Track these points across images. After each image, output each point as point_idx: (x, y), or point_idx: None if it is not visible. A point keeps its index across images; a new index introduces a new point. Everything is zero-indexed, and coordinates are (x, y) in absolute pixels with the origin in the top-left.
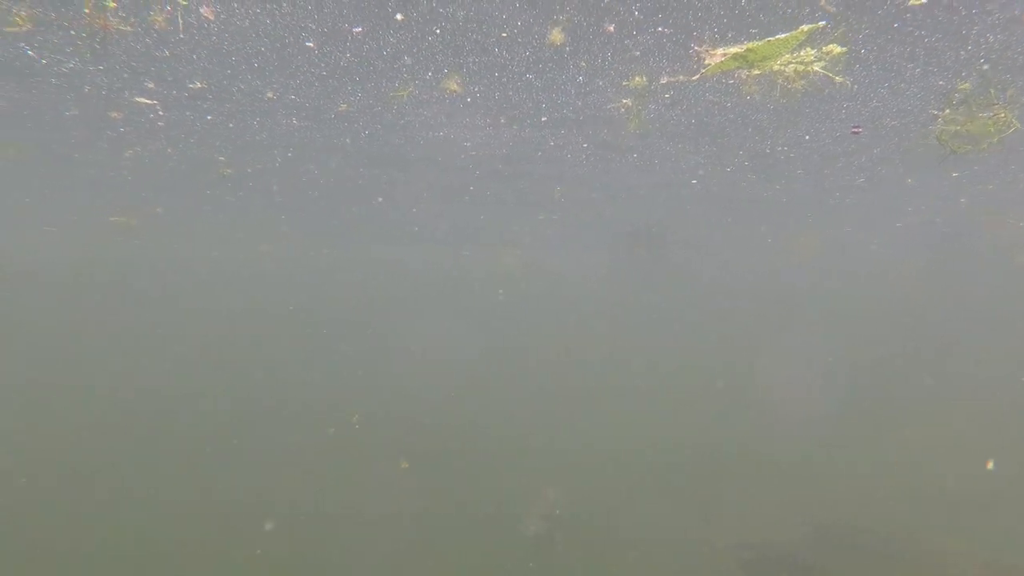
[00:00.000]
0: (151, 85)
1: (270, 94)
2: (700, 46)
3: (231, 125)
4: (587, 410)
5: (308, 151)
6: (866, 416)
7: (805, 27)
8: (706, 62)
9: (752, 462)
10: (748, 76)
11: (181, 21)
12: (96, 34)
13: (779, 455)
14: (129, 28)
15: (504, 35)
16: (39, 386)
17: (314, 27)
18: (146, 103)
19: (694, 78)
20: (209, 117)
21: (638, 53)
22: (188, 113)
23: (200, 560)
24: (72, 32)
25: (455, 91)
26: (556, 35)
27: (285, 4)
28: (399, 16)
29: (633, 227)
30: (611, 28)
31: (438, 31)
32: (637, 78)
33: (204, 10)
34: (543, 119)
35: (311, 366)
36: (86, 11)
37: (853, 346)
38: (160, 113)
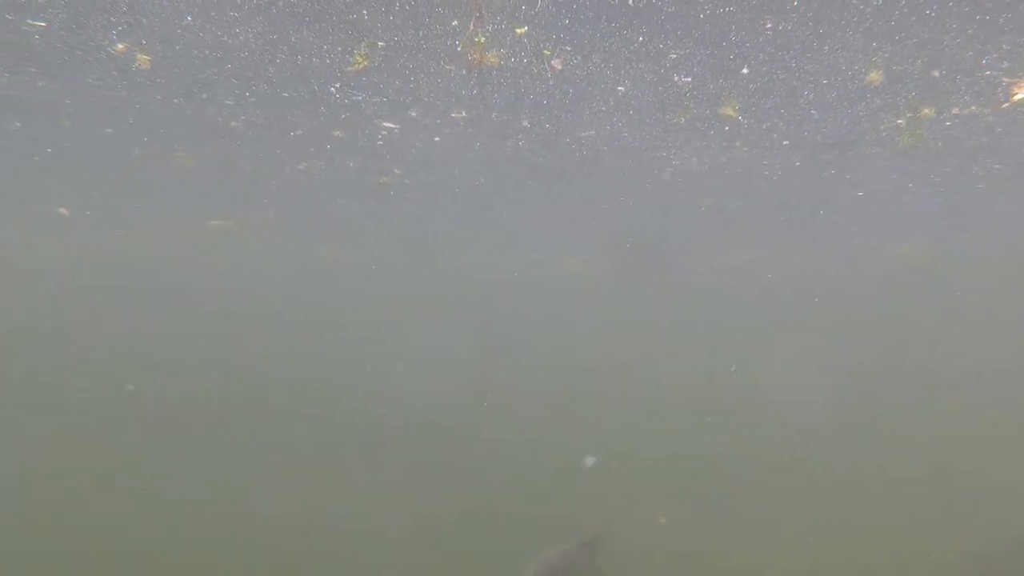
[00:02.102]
0: (413, 114)
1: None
2: (1010, 78)
3: (477, 146)
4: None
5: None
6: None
7: None
8: (1015, 94)
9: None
10: None
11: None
12: (473, 69)
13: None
14: (497, 61)
15: (824, 81)
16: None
17: (611, 74)
18: (390, 127)
19: (990, 109)
20: (437, 139)
21: (945, 85)
22: (419, 135)
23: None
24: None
25: (730, 115)
26: (875, 75)
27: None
28: (745, 70)
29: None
30: (936, 73)
31: (746, 70)
32: (926, 110)
33: (555, 62)
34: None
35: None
36: (460, 47)
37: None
38: (394, 136)
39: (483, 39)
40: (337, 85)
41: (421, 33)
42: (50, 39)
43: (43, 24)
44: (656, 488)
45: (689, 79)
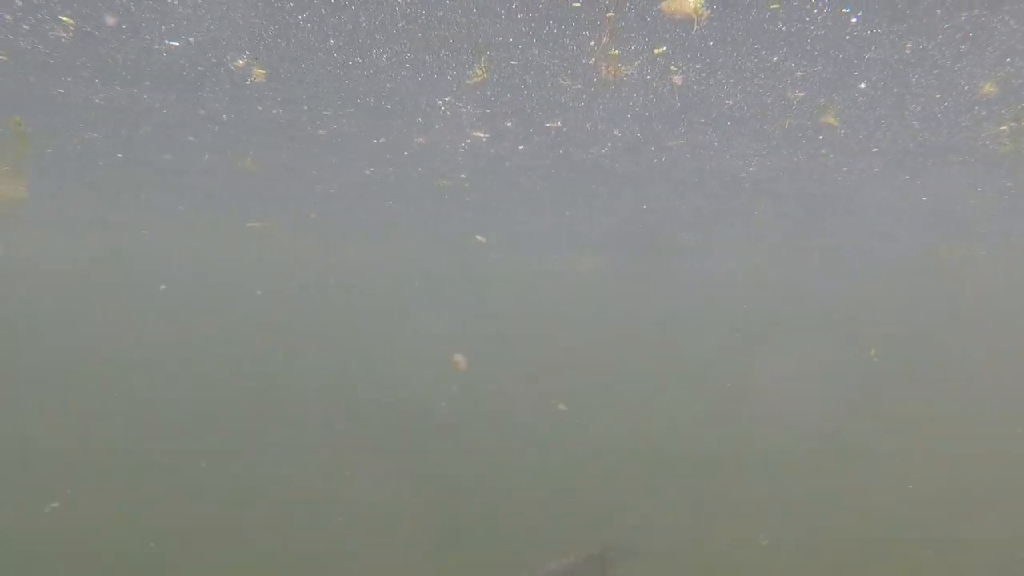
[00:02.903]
0: (509, 124)
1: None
2: None
3: (559, 153)
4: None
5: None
6: None
7: None
8: None
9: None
10: None
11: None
12: (607, 82)
13: None
14: (632, 68)
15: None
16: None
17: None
18: (480, 135)
19: None
20: (522, 147)
21: None
22: (505, 144)
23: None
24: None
25: (831, 124)
26: (989, 87)
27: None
28: (863, 85)
29: None
30: None
31: (863, 85)
32: None
33: (677, 78)
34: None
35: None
36: (591, 61)
37: None
38: (479, 143)
39: (616, 52)
40: (447, 98)
41: (545, 51)
42: (177, 56)
43: (176, 44)
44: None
45: (802, 93)
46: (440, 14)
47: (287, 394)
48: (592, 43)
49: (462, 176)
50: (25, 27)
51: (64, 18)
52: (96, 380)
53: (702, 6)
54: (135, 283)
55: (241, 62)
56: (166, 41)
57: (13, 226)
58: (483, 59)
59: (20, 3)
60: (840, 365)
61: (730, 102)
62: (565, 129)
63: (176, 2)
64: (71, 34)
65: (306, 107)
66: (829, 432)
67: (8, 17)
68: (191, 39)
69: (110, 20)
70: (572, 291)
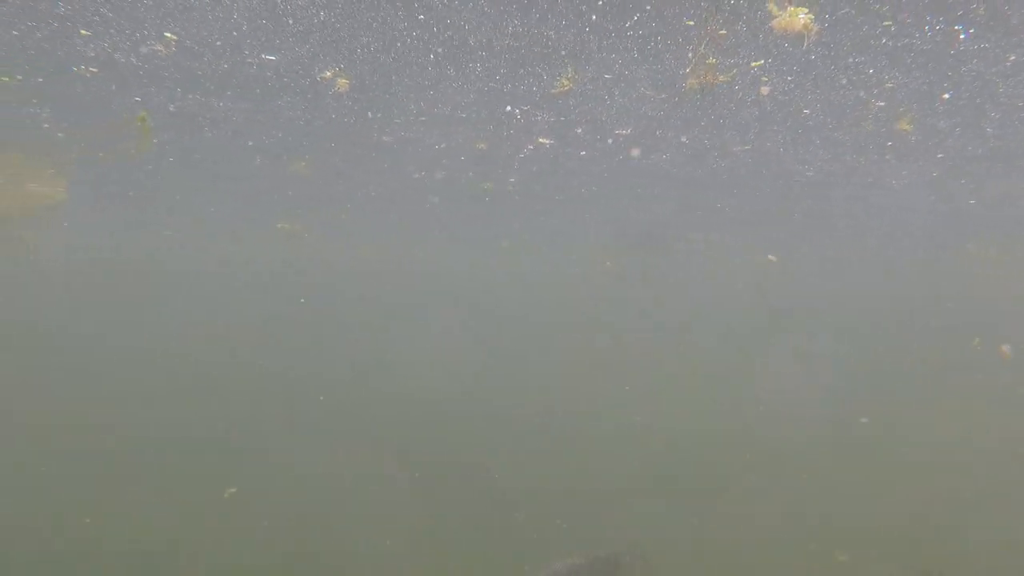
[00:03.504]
0: (579, 131)
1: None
2: None
3: (620, 158)
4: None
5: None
6: None
7: None
8: None
9: None
10: None
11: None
12: (705, 89)
13: None
14: (726, 79)
15: None
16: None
17: (810, 98)
18: (544, 142)
19: None
20: (583, 152)
21: None
22: (567, 149)
23: None
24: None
25: (904, 130)
26: None
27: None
28: (947, 96)
29: None
30: None
31: (947, 95)
32: None
33: (764, 88)
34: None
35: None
36: (687, 70)
37: None
38: (541, 150)
39: (714, 60)
40: (527, 107)
41: (644, 64)
42: (267, 68)
43: (273, 58)
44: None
45: (883, 103)
46: (552, 33)
47: (322, 394)
48: (690, 54)
49: (511, 180)
50: (127, 43)
51: (169, 34)
52: (135, 383)
53: (812, 21)
54: (167, 283)
55: (329, 73)
56: (263, 55)
57: (52, 227)
58: (571, 70)
59: (127, 20)
60: (881, 363)
61: (808, 111)
62: (632, 135)
63: (291, 21)
64: (172, 49)
65: (379, 115)
66: (863, 435)
67: (114, 33)
68: (290, 53)
69: (217, 41)
70: (597, 289)
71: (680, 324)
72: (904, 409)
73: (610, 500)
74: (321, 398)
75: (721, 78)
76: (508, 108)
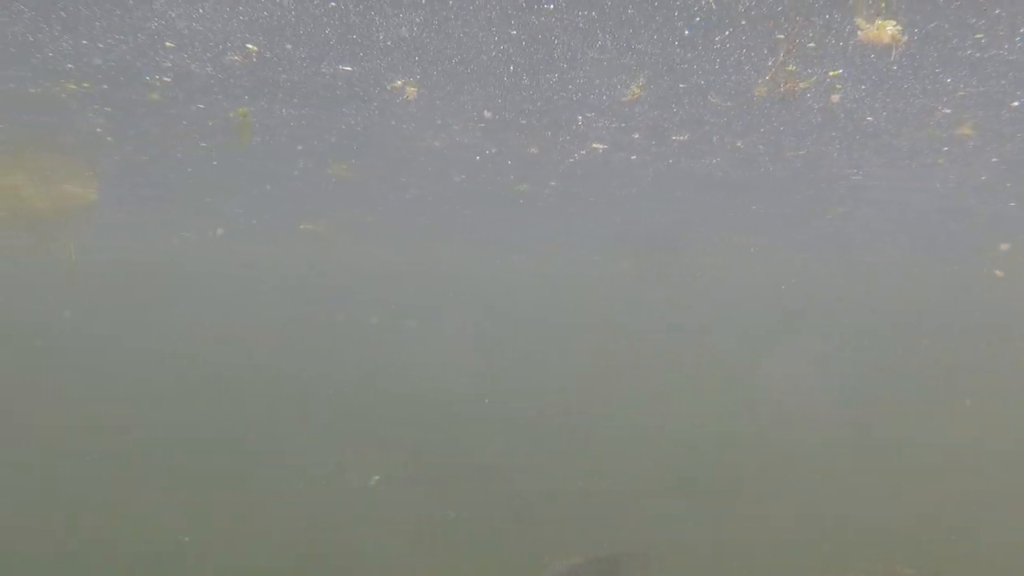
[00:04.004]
0: (636, 136)
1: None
2: None
3: (669, 162)
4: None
5: None
6: None
7: None
8: None
9: None
10: None
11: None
12: (786, 97)
13: None
14: (806, 86)
15: None
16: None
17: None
18: (598, 147)
19: None
20: (634, 157)
21: None
22: (620, 154)
23: None
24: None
25: (966, 134)
26: None
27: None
28: (1016, 103)
29: None
30: None
31: (1016, 103)
32: None
33: (835, 96)
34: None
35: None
36: (767, 78)
37: None
38: (594, 154)
39: (794, 68)
40: (591, 114)
41: (723, 75)
42: (338, 78)
43: (349, 69)
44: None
45: (950, 111)
46: (641, 47)
47: (333, 393)
48: (770, 63)
49: (552, 184)
50: (208, 54)
51: (251, 46)
52: (154, 384)
53: (900, 33)
54: (188, 284)
55: (399, 82)
56: (339, 66)
57: (83, 228)
58: (642, 79)
59: (214, 33)
60: (902, 365)
61: (871, 118)
62: (690, 140)
63: (381, 35)
64: (252, 59)
65: (439, 121)
66: (877, 436)
67: (198, 45)
68: (369, 64)
69: (300, 54)
70: (615, 291)
71: (699, 326)
72: (921, 411)
73: (624, 501)
74: (330, 395)
75: (801, 85)
76: (579, 119)
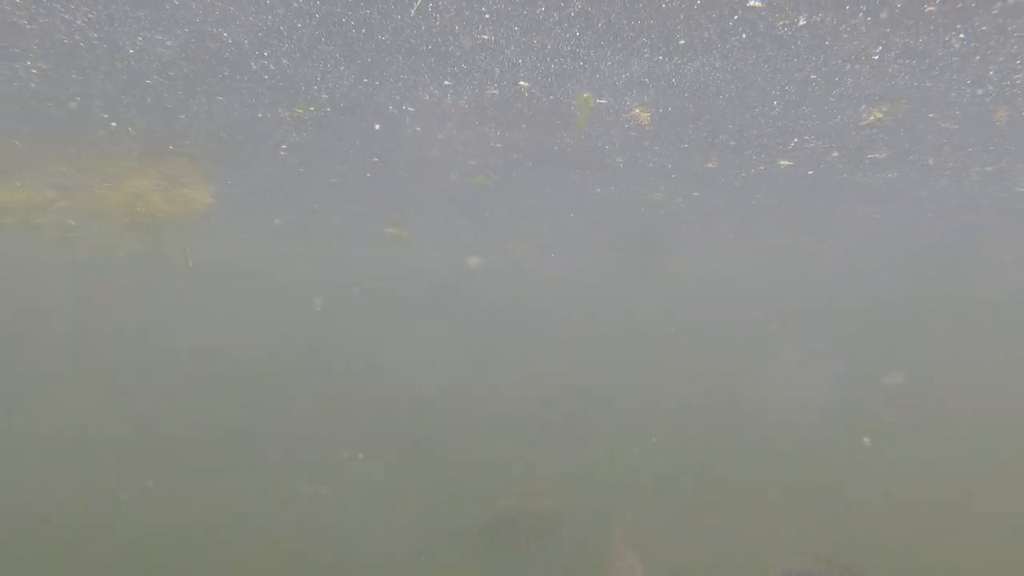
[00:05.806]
0: (835, 154)
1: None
2: None
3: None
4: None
5: None
6: None
7: None
8: None
9: None
10: None
11: None
12: None
13: None
14: None
15: None
16: None
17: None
18: (785, 164)
19: None
20: (810, 172)
21: None
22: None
23: None
24: None
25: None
26: None
27: None
28: None
29: None
30: None
31: None
32: None
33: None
34: None
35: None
36: None
37: None
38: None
39: None
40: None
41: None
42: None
43: (527, 84)
44: None
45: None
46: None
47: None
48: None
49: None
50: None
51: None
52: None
53: None
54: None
55: (637, 110)
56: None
57: (200, 231)
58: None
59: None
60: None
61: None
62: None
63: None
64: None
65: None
66: (872, 440)
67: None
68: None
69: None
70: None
71: (703, 324)
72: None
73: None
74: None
75: None
76: (795, 140)
